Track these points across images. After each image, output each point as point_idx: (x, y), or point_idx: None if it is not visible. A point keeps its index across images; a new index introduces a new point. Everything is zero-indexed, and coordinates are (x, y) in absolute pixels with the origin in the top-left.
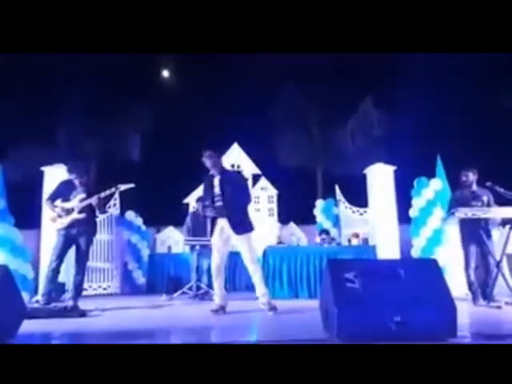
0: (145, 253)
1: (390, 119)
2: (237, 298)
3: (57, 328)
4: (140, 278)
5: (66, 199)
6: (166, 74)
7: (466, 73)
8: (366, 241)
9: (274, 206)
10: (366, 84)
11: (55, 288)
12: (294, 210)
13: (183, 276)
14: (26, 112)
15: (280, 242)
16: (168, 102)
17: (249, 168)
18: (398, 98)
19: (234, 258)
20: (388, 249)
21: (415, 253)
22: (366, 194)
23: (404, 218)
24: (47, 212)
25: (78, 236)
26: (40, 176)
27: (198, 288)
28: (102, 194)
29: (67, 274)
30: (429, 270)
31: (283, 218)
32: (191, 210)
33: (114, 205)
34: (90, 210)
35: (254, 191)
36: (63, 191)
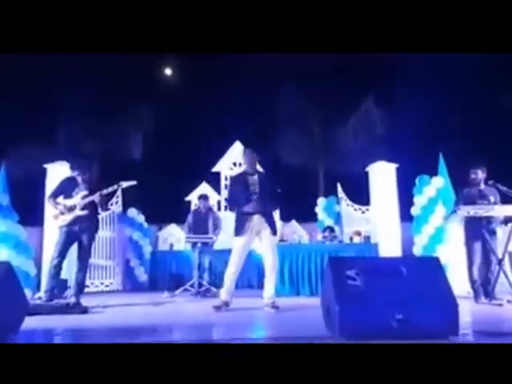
0: (147, 250)
1: (392, 117)
2: (239, 295)
3: (59, 324)
4: (142, 275)
5: (69, 196)
6: (168, 72)
7: (468, 71)
8: (367, 239)
9: None
10: (367, 82)
11: (57, 284)
12: (295, 207)
13: (185, 273)
14: (28, 111)
15: (282, 240)
16: (170, 101)
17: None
18: (400, 96)
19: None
20: (390, 247)
21: (417, 251)
22: (368, 191)
23: (406, 215)
24: (50, 209)
25: (80, 233)
26: (43, 173)
27: (200, 285)
28: (104, 191)
29: (69, 271)
30: (431, 268)
31: (285, 216)
32: (193, 207)
33: (117, 202)
34: (92, 207)
35: None
36: (65, 188)
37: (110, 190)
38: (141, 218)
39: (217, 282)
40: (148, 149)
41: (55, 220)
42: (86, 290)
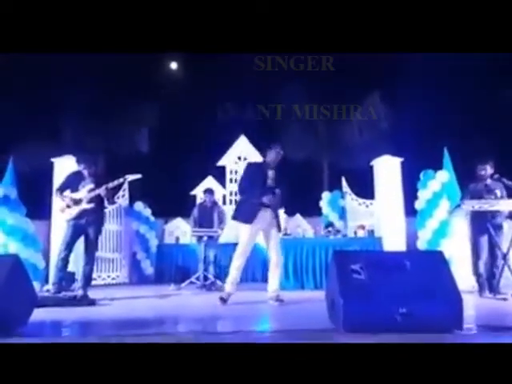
0: (153, 243)
1: (396, 112)
2: (244, 288)
3: (67, 316)
4: (148, 268)
5: (75, 190)
6: (172, 68)
7: (471, 68)
8: (371, 233)
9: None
10: (372, 77)
11: (65, 277)
12: (300, 201)
13: (190, 266)
14: (35, 107)
15: (286, 234)
16: (176, 96)
17: (256, 160)
18: (405, 91)
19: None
20: (394, 241)
21: (421, 245)
22: (373, 186)
23: (410, 210)
24: (57, 202)
25: (87, 226)
26: (50, 167)
27: (206, 278)
28: (110, 185)
29: (77, 264)
30: (435, 262)
31: (289, 210)
32: (198, 201)
33: (123, 196)
34: (98, 201)
35: None
36: (72, 182)
37: (116, 183)
38: (147, 212)
39: (222, 275)
40: (154, 143)
41: (62, 213)
42: (93, 282)
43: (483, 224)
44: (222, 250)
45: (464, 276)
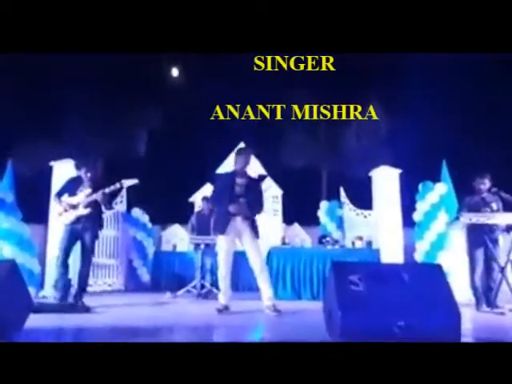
0: (150, 250)
1: (395, 122)
2: (240, 298)
3: (62, 323)
4: (145, 275)
5: (73, 194)
6: (172, 72)
7: (471, 76)
8: (369, 243)
9: (279, 206)
10: (371, 86)
11: (68, 283)
12: (298, 210)
13: (187, 274)
14: (34, 110)
15: (284, 243)
16: (175, 102)
17: (254, 168)
18: (404, 102)
19: (237, 258)
20: (391, 252)
21: (418, 257)
22: (371, 196)
23: (408, 221)
24: (54, 207)
25: (83, 231)
26: (49, 171)
27: (202, 286)
28: (107, 190)
29: (73, 270)
30: (433, 275)
31: (288, 219)
32: (196, 209)
33: (121, 201)
34: (95, 206)
35: None
36: (71, 187)
37: (113, 188)
38: (145, 218)
39: (218, 283)
40: (153, 150)
41: (59, 217)
42: (89, 289)
43: (480, 237)
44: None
45: (461, 289)
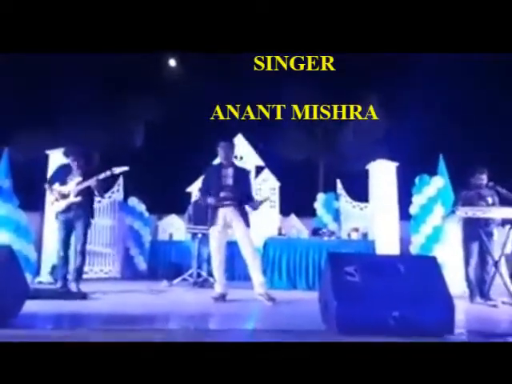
0: (147, 239)
1: (393, 116)
2: (236, 286)
3: (58, 309)
4: (141, 264)
5: (64, 183)
6: (170, 66)
7: (469, 72)
8: (365, 235)
9: (276, 197)
10: (372, 77)
11: (65, 271)
12: (295, 202)
13: (184, 263)
14: (31, 100)
15: (281, 234)
16: (173, 93)
17: (252, 159)
18: (402, 96)
19: (231, 248)
20: (387, 244)
21: (414, 249)
22: (367, 189)
23: (405, 214)
24: (48, 195)
25: (75, 219)
26: (45, 159)
27: (199, 275)
28: (101, 176)
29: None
30: (428, 267)
31: (284, 210)
32: (194, 198)
33: (118, 190)
34: (86, 194)
35: (257, 183)
36: (61, 175)
37: (103, 175)
38: (141, 207)
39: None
40: (151, 140)
41: (51, 206)
42: (85, 276)
43: (475, 230)
44: None
45: (456, 281)
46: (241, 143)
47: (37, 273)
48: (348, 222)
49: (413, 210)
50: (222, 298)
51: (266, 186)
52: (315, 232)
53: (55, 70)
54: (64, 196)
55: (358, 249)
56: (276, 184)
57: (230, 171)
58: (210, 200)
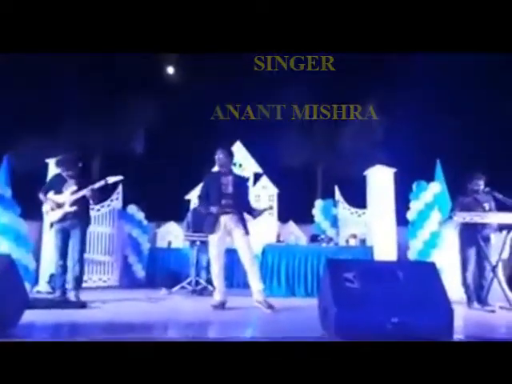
0: (145, 247)
1: (391, 122)
2: (235, 294)
3: (57, 318)
4: (140, 272)
5: (59, 192)
6: (168, 70)
7: (468, 75)
8: (363, 242)
9: (274, 204)
10: (367, 86)
11: (63, 280)
12: (293, 209)
13: (182, 271)
14: (31, 107)
15: (279, 241)
16: (171, 99)
17: (251, 166)
18: (400, 102)
19: (230, 255)
20: (385, 250)
21: (411, 255)
22: (365, 195)
23: (402, 220)
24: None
25: (71, 228)
26: (45, 168)
27: (197, 283)
28: (96, 186)
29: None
30: (427, 273)
31: (283, 217)
32: (192, 206)
33: (117, 198)
34: (82, 203)
35: (255, 190)
36: (56, 184)
37: (98, 185)
38: (140, 215)
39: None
40: (149, 147)
41: (47, 216)
42: (84, 284)
43: (472, 236)
44: None
45: (454, 287)
46: (239, 150)
47: (35, 282)
48: (346, 229)
49: (410, 215)
50: (221, 305)
51: (265, 193)
52: (313, 238)
53: (54, 71)
54: (59, 205)
55: (357, 255)
56: (274, 191)
57: (230, 179)
58: (213, 209)
